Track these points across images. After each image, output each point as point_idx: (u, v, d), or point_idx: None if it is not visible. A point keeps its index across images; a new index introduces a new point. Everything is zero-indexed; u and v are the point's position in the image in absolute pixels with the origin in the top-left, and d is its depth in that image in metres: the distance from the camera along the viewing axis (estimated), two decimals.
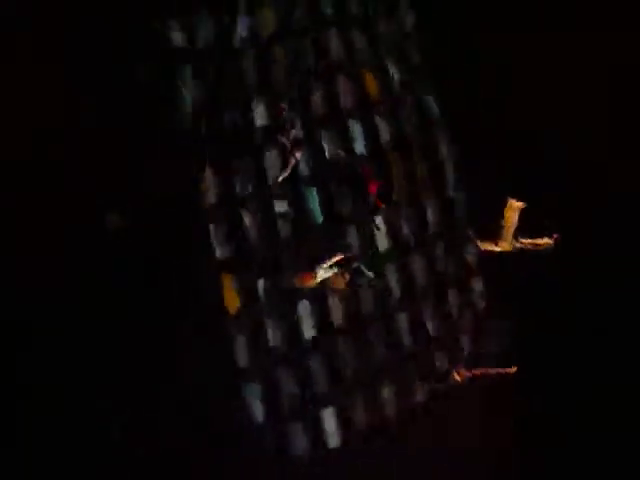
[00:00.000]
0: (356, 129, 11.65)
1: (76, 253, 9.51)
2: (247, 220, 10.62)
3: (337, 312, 11.10)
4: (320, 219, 11.13)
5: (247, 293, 10.53)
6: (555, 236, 12.03)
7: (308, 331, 10.87)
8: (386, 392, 11.31)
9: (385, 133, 11.94)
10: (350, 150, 11.58)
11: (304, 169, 11.18)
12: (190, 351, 9.93)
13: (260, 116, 10.91)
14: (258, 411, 10.35)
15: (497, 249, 12.26)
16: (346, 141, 11.57)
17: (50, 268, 9.36)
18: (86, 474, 9.20)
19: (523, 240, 12.07)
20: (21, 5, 9.49)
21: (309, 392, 10.76)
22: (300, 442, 10.61)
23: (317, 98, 11.39)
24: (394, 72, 12.19)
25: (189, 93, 10.39)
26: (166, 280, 9.95)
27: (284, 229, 10.89)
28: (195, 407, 9.83)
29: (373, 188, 11.41)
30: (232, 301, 10.39)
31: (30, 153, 9.46)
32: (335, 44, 11.68)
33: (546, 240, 12.06)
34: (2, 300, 9.10)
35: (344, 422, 10.93)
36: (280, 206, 10.90)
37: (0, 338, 9.15)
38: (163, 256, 9.87)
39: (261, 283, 10.61)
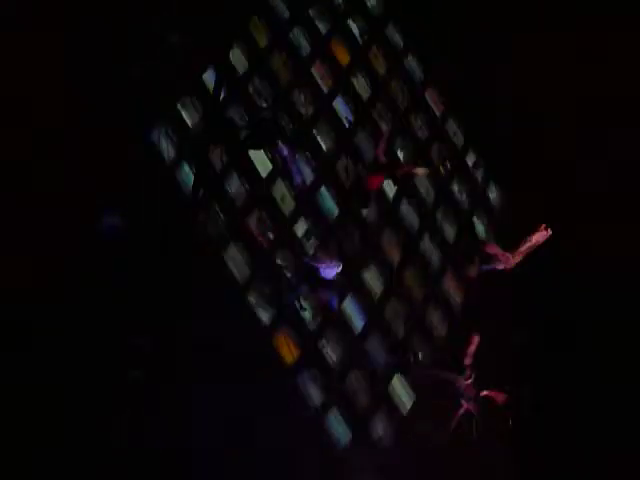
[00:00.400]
0: (340, 105, 11.72)
1: (76, 253, 9.50)
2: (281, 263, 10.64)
3: (375, 284, 11.25)
4: (336, 212, 11.17)
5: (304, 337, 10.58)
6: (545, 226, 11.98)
7: (358, 322, 10.92)
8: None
9: (364, 91, 12.13)
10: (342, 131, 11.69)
11: (307, 173, 11.20)
12: (191, 351, 9.94)
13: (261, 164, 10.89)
14: (344, 433, 10.38)
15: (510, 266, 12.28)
16: (339, 127, 11.65)
17: (50, 268, 9.35)
18: (86, 474, 9.19)
19: (522, 249, 12.05)
20: (21, 5, 9.48)
21: (377, 373, 10.92)
22: (386, 429, 10.76)
23: (302, 99, 11.45)
24: (356, 28, 12.33)
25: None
26: (167, 280, 9.95)
27: (309, 245, 10.99)
28: (196, 407, 9.82)
29: (374, 184, 11.43)
30: (288, 354, 10.34)
31: (30, 153, 9.44)
32: (304, 42, 11.72)
33: (541, 234, 12.02)
34: (2, 300, 9.08)
35: (413, 376, 11.15)
36: (301, 227, 10.91)
37: (0, 338, 9.13)
38: (164, 256, 9.87)
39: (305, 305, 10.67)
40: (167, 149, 10.13)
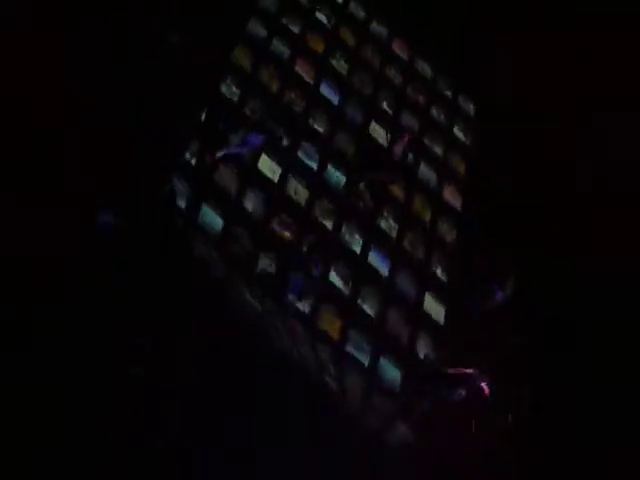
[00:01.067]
0: (326, 88, 12.32)
1: (76, 253, 9.50)
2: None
3: (389, 227, 11.76)
4: (343, 182, 11.55)
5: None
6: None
7: (384, 269, 11.34)
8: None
9: (343, 70, 12.84)
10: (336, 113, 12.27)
11: (310, 158, 11.59)
12: (191, 351, 9.93)
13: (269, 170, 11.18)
14: (397, 375, 10.70)
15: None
16: (329, 110, 12.16)
17: (50, 268, 9.35)
18: (86, 474, 9.19)
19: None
20: (21, 5, 9.49)
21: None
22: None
23: (293, 99, 11.95)
24: (323, 17, 13.11)
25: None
26: (167, 280, 9.95)
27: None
28: (196, 406, 9.82)
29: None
30: (334, 327, 10.57)
31: (30, 153, 9.45)
32: (284, 48, 12.32)
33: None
34: (2, 300, 9.08)
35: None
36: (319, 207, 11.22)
37: (0, 338, 9.13)
38: (163, 256, 9.87)
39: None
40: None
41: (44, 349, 9.26)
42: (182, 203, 10.31)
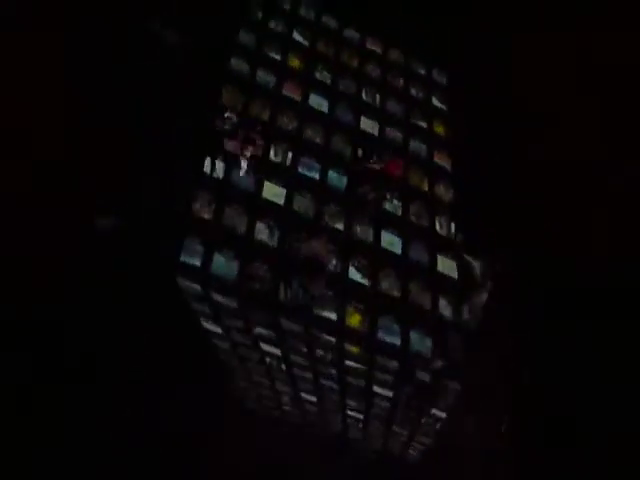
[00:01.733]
0: (316, 100, 12.43)
1: (76, 253, 9.52)
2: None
3: (394, 207, 11.74)
4: (344, 184, 11.56)
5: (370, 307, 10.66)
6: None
7: (397, 247, 11.24)
8: None
9: (327, 79, 12.79)
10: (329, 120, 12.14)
11: (311, 170, 11.59)
12: (191, 350, 9.95)
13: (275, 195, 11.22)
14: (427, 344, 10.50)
15: None
16: (321, 120, 12.25)
17: (50, 268, 9.37)
18: (86, 474, 9.21)
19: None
20: (21, 5, 9.49)
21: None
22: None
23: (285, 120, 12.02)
24: (299, 35, 12.96)
25: None
26: (167, 280, 9.96)
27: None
28: (196, 406, 9.84)
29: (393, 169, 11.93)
30: (353, 319, 10.59)
31: (30, 153, 9.46)
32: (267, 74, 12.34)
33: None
34: (1, 300, 9.10)
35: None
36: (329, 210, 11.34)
37: (0, 338, 9.15)
38: (162, 256, 9.87)
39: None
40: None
41: (44, 349, 9.28)
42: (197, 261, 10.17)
